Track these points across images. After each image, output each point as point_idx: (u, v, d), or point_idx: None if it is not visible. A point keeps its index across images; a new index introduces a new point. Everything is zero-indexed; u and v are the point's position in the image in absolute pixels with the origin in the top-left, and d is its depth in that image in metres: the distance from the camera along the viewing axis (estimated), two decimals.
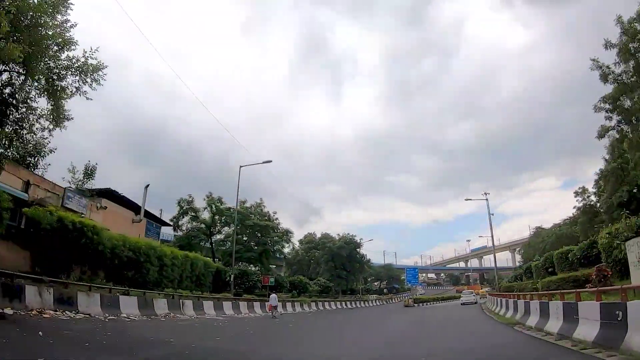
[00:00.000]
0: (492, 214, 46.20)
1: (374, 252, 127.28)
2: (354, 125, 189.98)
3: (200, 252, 36.11)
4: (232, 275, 31.82)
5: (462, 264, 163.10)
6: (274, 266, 72.70)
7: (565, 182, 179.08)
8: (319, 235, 68.22)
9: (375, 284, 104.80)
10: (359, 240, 62.01)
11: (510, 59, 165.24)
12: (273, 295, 29.04)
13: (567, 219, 55.06)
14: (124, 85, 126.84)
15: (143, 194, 32.34)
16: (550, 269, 33.92)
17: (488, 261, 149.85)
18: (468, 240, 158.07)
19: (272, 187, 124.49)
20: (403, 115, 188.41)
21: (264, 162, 34.02)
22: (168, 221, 40.94)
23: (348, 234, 62.06)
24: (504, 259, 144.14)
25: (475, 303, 48.13)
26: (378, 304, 68.28)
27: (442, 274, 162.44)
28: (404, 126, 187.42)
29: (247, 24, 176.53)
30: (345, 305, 54.54)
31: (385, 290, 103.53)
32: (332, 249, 58.35)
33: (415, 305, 52.80)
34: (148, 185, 32.29)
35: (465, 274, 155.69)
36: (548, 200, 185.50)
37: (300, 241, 71.43)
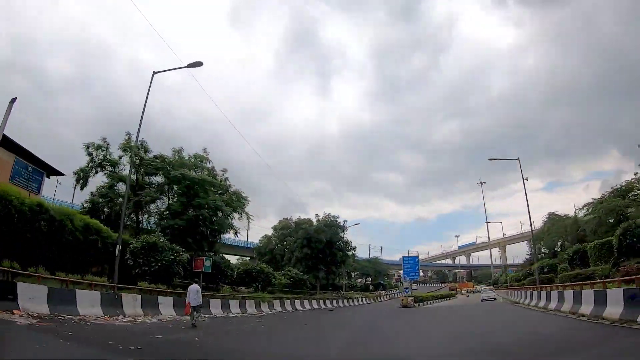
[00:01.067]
0: (527, 178, 32.87)
1: (357, 244, 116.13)
2: (341, 121, 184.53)
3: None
4: (118, 248, 17.65)
5: (449, 261, 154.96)
6: (237, 257, 58.41)
7: (548, 184, 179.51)
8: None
9: (360, 280, 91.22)
10: (342, 223, 48.54)
11: (500, 58, 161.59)
12: (193, 287, 15.64)
13: (591, 202, 43.14)
14: (108, 75, 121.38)
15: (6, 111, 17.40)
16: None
17: (476, 258, 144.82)
18: (457, 236, 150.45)
19: (254, 182, 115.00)
20: (390, 112, 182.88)
21: (189, 66, 20.04)
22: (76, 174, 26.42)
23: (329, 214, 48.47)
24: (493, 256, 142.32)
25: (495, 299, 44.88)
26: (364, 302, 54.66)
27: (429, 272, 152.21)
28: (390, 123, 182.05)
29: (235, 13, 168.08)
30: (324, 304, 40.71)
31: (371, 287, 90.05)
32: (309, 231, 44.34)
33: (415, 305, 38.78)
34: (15, 99, 17.19)
35: (454, 271, 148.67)
36: (531, 201, 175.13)
37: (275, 227, 57.35)
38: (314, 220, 47.06)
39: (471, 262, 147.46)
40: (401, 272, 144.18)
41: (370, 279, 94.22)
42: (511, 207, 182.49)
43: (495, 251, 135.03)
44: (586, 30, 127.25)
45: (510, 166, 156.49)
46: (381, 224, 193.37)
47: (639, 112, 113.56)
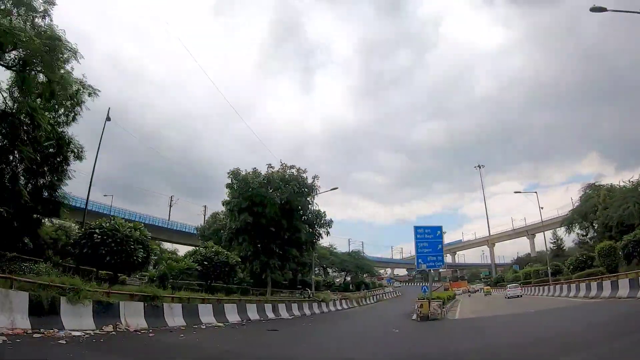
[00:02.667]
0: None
1: (336, 238, 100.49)
2: (323, 118, 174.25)
3: None
4: None
5: None
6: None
7: (527, 187, 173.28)
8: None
9: (338, 279, 72.55)
10: (312, 181, 28.96)
11: (485, 59, 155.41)
12: None
13: None
14: (85, 67, 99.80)
15: None
16: None
17: (462, 257, 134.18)
18: (444, 232, 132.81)
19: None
20: (373, 110, 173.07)
21: None
22: None
23: (292, 166, 28.96)
24: (478, 255, 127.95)
25: (521, 296, 38.88)
26: (343, 307, 36.05)
27: (413, 270, 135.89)
28: (373, 122, 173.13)
29: (219, 3, 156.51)
30: (277, 311, 21.95)
31: (352, 287, 71.27)
32: (253, 187, 25.37)
33: (440, 312, 19.73)
34: None
35: (439, 270, 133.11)
36: (509, 204, 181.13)
37: (225, 203, 37.59)
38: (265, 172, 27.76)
39: (457, 261, 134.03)
40: (388, 270, 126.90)
41: (351, 276, 75.65)
42: (492, 209, 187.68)
43: (476, 251, 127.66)
44: (570, 34, 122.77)
45: (488, 170, 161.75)
46: (360, 225, 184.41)
47: (619, 117, 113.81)
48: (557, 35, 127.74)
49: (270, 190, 25.98)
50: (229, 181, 26.82)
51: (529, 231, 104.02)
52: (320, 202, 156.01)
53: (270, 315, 21.90)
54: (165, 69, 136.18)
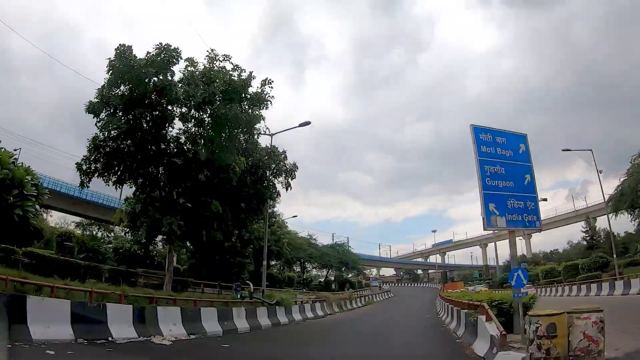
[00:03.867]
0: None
1: (320, 235, 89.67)
2: (312, 115, 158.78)
3: None
4: None
5: (420, 261, 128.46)
6: None
7: None
8: None
9: (316, 273, 59.56)
10: (260, 87, 15.62)
11: (477, 61, 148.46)
12: None
13: None
14: (74, 55, 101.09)
15: None
16: None
17: (452, 258, 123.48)
18: (434, 231, 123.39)
19: None
20: (363, 109, 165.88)
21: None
22: None
23: (227, 57, 15.33)
24: (467, 257, 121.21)
25: None
26: (318, 315, 22.79)
27: (401, 271, 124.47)
28: (362, 121, 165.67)
29: None
30: (162, 325, 10.29)
31: (334, 285, 58.29)
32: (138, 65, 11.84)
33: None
34: None
35: (429, 270, 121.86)
36: None
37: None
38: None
39: (446, 262, 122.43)
40: (374, 270, 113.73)
41: (335, 273, 62.73)
42: (474, 213, 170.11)
43: (465, 253, 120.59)
44: (562, 40, 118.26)
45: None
46: (346, 225, 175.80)
47: (607, 124, 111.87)
48: (549, 40, 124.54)
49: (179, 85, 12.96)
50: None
51: (525, 231, 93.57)
52: (308, 204, 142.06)
53: (152, 330, 9.63)
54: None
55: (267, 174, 17.10)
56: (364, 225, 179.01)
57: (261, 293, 18.94)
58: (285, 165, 17.47)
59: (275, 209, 40.54)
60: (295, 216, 43.22)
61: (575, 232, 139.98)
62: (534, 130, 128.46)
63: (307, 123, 20.78)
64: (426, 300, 37.72)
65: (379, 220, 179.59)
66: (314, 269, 62.89)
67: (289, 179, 17.92)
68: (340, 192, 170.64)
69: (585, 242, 49.95)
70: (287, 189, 18.01)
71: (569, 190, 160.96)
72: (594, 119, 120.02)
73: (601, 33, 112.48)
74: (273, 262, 41.80)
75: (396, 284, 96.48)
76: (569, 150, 31.05)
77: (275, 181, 17.76)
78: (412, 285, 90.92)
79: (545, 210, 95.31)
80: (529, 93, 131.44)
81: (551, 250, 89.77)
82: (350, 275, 74.20)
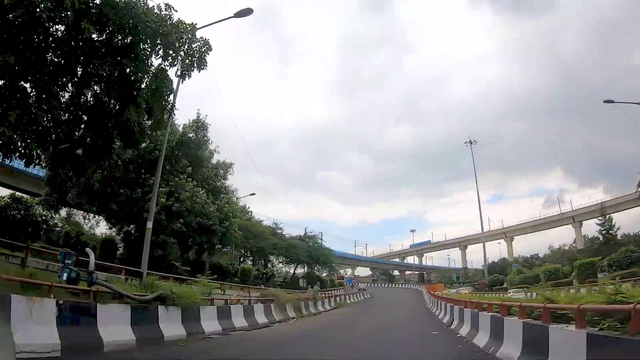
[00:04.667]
0: None
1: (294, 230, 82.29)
2: (294, 112, 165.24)
3: None
4: None
5: (397, 261, 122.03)
6: None
7: (492, 197, 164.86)
8: None
9: (282, 269, 50.53)
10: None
11: (463, 66, 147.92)
12: None
13: None
14: None
15: None
16: None
17: (430, 259, 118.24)
18: (412, 231, 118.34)
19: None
20: (346, 108, 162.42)
21: None
22: None
23: None
24: (444, 257, 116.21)
25: None
26: (253, 324, 13.84)
27: (377, 271, 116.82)
28: (344, 121, 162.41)
29: None
30: None
31: (303, 284, 49.58)
32: None
33: None
34: None
35: (406, 271, 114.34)
36: (474, 213, 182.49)
37: None
38: None
39: (424, 263, 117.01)
40: (349, 270, 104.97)
41: (308, 270, 53.84)
42: (455, 217, 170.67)
43: (441, 256, 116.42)
44: (548, 49, 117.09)
45: (457, 176, 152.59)
46: (323, 225, 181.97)
47: (587, 134, 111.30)
48: (535, 48, 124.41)
49: None
50: None
51: (507, 234, 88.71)
52: (287, 202, 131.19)
53: None
54: None
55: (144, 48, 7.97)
56: (341, 226, 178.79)
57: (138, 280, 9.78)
58: (182, 40, 8.43)
59: (226, 181, 31.30)
60: (253, 194, 34.38)
61: (556, 238, 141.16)
62: (513, 137, 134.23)
63: (248, 11, 12.02)
64: (412, 303, 29.55)
65: (356, 220, 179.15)
66: (281, 264, 53.79)
67: (195, 66, 8.91)
68: (319, 191, 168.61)
69: (600, 237, 43.24)
70: (183, 80, 9.13)
71: (545, 198, 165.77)
72: (574, 129, 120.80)
73: (586, 43, 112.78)
74: (220, 247, 32.52)
75: (372, 284, 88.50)
76: (612, 101, 23.10)
77: (167, 65, 8.67)
78: (389, 286, 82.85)
79: (527, 214, 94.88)
80: (512, 99, 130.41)
81: (531, 255, 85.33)
82: (324, 273, 65.69)
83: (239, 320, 13.01)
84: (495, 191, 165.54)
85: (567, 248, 77.15)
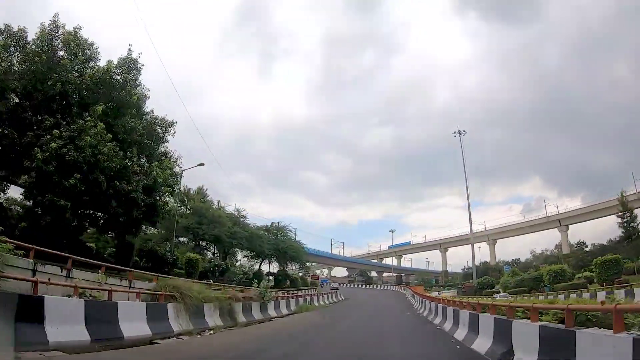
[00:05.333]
0: None
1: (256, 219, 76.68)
2: (275, 110, 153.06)
3: None
4: None
5: (375, 262, 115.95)
6: None
7: (470, 203, 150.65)
8: None
9: (248, 263, 43.14)
10: None
11: (447, 71, 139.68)
12: None
13: None
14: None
15: None
16: None
17: (409, 261, 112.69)
18: (392, 231, 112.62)
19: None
20: (327, 108, 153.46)
21: None
22: None
23: None
24: (422, 260, 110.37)
25: None
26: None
27: (355, 271, 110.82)
28: (325, 121, 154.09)
29: None
30: None
31: (267, 280, 42.11)
32: None
33: None
34: None
35: (384, 273, 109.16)
36: (450, 218, 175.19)
37: None
38: None
39: (403, 264, 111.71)
40: (325, 270, 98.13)
41: (279, 266, 46.66)
42: (432, 222, 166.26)
43: (419, 259, 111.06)
44: (531, 59, 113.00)
45: (434, 182, 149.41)
46: (300, 225, 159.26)
47: (566, 146, 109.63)
48: (518, 57, 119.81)
49: None
50: None
51: (490, 236, 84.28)
52: (264, 201, 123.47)
53: None
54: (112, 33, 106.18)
55: None
56: (319, 226, 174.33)
57: None
58: None
59: (166, 143, 23.90)
60: (202, 164, 26.94)
61: (534, 243, 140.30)
62: (492, 145, 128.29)
63: None
64: (397, 306, 23.00)
65: (334, 221, 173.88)
66: (246, 258, 46.41)
67: None
68: (296, 191, 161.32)
69: (622, 231, 38.16)
70: None
71: (523, 206, 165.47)
72: (553, 140, 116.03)
73: (570, 56, 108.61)
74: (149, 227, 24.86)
75: (348, 285, 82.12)
76: None
77: None
78: (367, 287, 76.37)
79: (504, 221, 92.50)
80: (493, 108, 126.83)
81: (513, 259, 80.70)
82: (300, 272, 58.61)
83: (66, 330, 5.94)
84: (473, 197, 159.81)
85: (548, 253, 75.06)
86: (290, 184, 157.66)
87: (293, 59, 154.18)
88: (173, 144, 30.24)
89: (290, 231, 44.55)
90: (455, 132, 53.43)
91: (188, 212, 34.38)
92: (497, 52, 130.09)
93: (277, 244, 40.83)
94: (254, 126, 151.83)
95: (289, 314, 17.38)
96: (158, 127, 23.14)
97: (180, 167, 25.42)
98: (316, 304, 24.35)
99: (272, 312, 15.92)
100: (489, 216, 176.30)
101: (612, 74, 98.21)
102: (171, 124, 23.68)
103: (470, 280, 51.94)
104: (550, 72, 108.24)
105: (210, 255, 37.01)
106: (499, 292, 39.52)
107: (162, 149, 24.14)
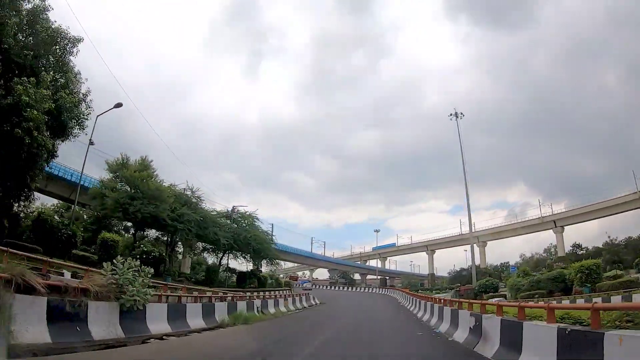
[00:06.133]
0: None
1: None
2: (263, 109, 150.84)
3: None
4: None
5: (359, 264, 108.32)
6: None
7: (454, 207, 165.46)
8: None
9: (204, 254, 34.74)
10: None
11: (437, 74, 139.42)
12: None
13: None
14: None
15: None
16: None
17: (393, 263, 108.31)
18: (377, 231, 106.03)
19: (164, 165, 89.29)
20: (315, 109, 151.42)
21: None
22: None
23: None
24: (407, 263, 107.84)
25: None
26: None
27: (336, 272, 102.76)
28: (312, 122, 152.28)
29: None
30: None
31: (226, 276, 33.61)
32: None
33: None
34: None
35: (368, 275, 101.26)
36: (436, 222, 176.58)
37: None
38: None
39: (388, 267, 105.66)
40: (307, 272, 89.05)
41: (254, 263, 38.36)
42: (417, 225, 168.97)
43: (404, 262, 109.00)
44: (521, 65, 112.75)
45: (419, 186, 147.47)
46: (284, 226, 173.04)
47: (552, 152, 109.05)
48: (508, 63, 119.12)
49: None
50: None
51: (480, 238, 78.18)
52: (250, 201, 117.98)
53: None
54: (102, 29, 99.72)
55: None
56: (304, 228, 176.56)
57: None
58: None
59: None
60: (119, 104, 18.82)
61: (521, 248, 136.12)
62: (480, 151, 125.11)
63: None
64: (403, 319, 15.26)
65: (319, 224, 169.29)
66: (207, 252, 37.88)
67: None
68: (281, 192, 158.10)
69: None
70: None
71: (508, 211, 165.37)
72: (540, 146, 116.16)
73: (559, 63, 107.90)
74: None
75: (329, 287, 74.01)
76: None
77: None
78: (349, 289, 68.09)
79: (492, 221, 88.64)
80: (481, 113, 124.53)
81: (501, 263, 75.77)
82: (278, 275, 50.17)
83: None
84: (458, 202, 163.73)
85: (538, 257, 70.74)
86: (274, 185, 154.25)
87: (282, 58, 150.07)
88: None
89: (259, 220, 36.22)
90: (451, 115, 46.30)
91: (122, 185, 25.97)
92: (487, 57, 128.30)
93: (238, 233, 32.42)
94: (241, 125, 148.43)
95: (203, 329, 9.32)
96: (58, 37, 15.37)
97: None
98: (272, 311, 16.23)
99: (157, 325, 7.82)
100: (474, 221, 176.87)
101: (599, 81, 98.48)
102: (77, 40, 15.97)
103: (467, 284, 44.46)
104: (538, 78, 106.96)
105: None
106: (504, 295, 32.61)
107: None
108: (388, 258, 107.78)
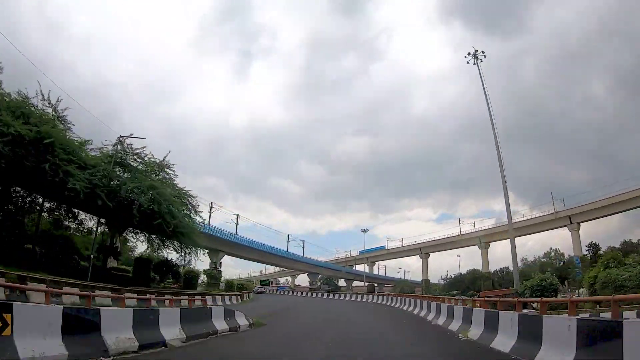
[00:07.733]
0: None
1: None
2: (251, 113, 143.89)
3: None
4: None
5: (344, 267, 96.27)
6: None
7: (441, 216, 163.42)
8: None
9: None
10: None
11: (427, 80, 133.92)
12: None
13: None
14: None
15: None
16: None
17: (382, 269, 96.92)
18: (364, 230, 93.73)
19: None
20: (304, 114, 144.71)
21: None
22: None
23: None
24: (395, 269, 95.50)
25: None
26: None
27: (318, 275, 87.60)
28: (300, 126, 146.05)
29: None
30: None
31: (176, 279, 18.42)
32: None
33: None
34: None
35: (354, 281, 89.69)
36: (422, 230, 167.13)
37: None
38: None
39: (376, 272, 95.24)
40: (289, 278, 73.09)
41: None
42: (403, 234, 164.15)
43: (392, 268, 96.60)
44: (510, 73, 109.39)
45: (405, 194, 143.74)
46: (269, 233, 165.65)
47: (539, 160, 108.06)
48: (498, 71, 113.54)
49: None
50: None
51: (482, 238, 67.32)
52: (235, 206, 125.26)
53: None
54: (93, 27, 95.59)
55: None
56: (286, 235, 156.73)
57: None
58: None
59: None
60: None
61: (519, 250, 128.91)
62: (467, 158, 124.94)
63: None
64: None
65: (304, 230, 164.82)
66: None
67: None
68: (266, 198, 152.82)
69: None
70: None
71: (495, 220, 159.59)
72: (526, 154, 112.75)
73: (548, 72, 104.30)
74: None
75: (309, 295, 59.03)
76: None
77: None
78: (332, 297, 52.74)
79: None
80: (469, 120, 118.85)
81: (501, 268, 66.56)
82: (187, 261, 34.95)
83: None
84: (445, 210, 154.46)
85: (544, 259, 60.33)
86: (260, 190, 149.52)
87: (272, 60, 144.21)
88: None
89: (172, 170, 21.63)
90: (470, 55, 33.43)
91: None
92: (478, 63, 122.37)
93: (164, 200, 17.68)
94: (228, 128, 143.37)
95: None
96: None
97: None
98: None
99: None
100: (455, 230, 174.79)
101: (587, 92, 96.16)
102: None
103: (504, 286, 30.71)
104: (527, 86, 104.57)
105: None
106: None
107: None
108: (377, 263, 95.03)
